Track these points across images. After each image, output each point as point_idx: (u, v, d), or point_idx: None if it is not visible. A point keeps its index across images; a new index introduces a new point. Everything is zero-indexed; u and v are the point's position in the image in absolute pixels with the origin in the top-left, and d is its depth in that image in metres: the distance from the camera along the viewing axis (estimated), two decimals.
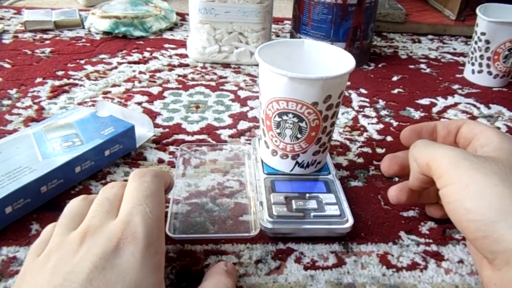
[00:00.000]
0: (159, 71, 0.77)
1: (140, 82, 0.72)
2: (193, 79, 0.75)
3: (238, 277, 0.39)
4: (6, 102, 0.64)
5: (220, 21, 0.77)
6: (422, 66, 0.87)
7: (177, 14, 1.03)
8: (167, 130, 0.60)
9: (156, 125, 0.60)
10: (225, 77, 0.76)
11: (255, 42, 0.79)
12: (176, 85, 0.72)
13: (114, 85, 0.71)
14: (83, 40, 0.88)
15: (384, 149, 0.59)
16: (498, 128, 0.66)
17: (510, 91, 0.78)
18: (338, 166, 0.55)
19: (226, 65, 0.80)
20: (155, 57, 0.82)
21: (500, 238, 0.30)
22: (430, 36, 1.03)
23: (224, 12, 0.76)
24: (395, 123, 0.65)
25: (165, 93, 0.69)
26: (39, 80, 0.71)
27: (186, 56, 0.83)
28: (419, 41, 1.00)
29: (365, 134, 0.62)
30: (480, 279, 0.39)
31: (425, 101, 0.73)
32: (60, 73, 0.73)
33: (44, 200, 0.45)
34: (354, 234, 0.44)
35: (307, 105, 0.43)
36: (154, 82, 0.73)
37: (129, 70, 0.76)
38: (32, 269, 0.30)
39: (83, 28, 0.93)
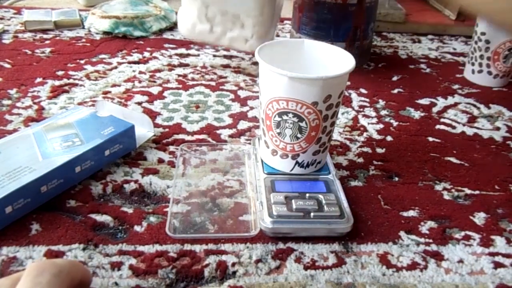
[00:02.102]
0: (159, 71, 0.77)
1: (140, 82, 0.72)
2: (193, 79, 0.75)
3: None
4: (6, 102, 0.64)
5: None
6: (422, 66, 0.87)
7: (177, 14, 1.03)
8: (167, 130, 0.60)
9: (156, 125, 0.60)
10: (225, 77, 0.76)
11: (251, 28, 0.72)
12: (176, 85, 0.72)
13: (114, 85, 0.71)
14: (83, 40, 0.88)
15: (384, 149, 0.59)
16: (498, 128, 0.66)
17: (510, 91, 0.78)
18: (338, 166, 0.55)
19: (226, 65, 0.80)
20: (155, 57, 0.82)
21: None
22: (430, 36, 1.03)
23: None
24: (395, 123, 0.65)
25: (165, 93, 0.69)
26: (39, 80, 0.71)
27: (186, 56, 0.83)
28: (419, 41, 1.00)
29: (365, 134, 0.62)
30: None
31: (425, 101, 0.73)
32: (60, 73, 0.73)
33: (44, 200, 0.45)
34: (354, 234, 0.44)
35: (307, 105, 0.44)
36: (154, 82, 0.73)
37: (129, 70, 0.76)
38: None
39: (83, 28, 0.93)
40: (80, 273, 0.30)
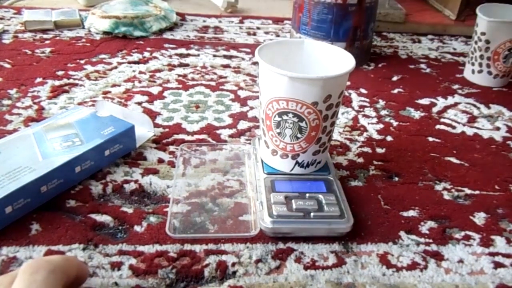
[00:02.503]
0: (159, 71, 0.77)
1: (140, 82, 0.72)
2: (193, 79, 0.75)
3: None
4: (6, 102, 0.64)
5: None
6: (422, 66, 0.87)
7: (177, 14, 1.03)
8: (167, 130, 0.60)
9: (156, 125, 0.60)
10: (225, 77, 0.76)
11: None
12: (176, 85, 0.72)
13: (114, 85, 0.71)
14: (83, 40, 0.88)
15: (384, 149, 0.59)
16: (498, 128, 0.66)
17: (510, 91, 0.78)
18: (338, 166, 0.55)
19: (226, 65, 0.80)
20: (155, 57, 0.82)
21: None
22: (430, 36, 1.03)
23: None
24: (395, 123, 0.65)
25: (165, 93, 0.69)
26: (39, 80, 0.71)
27: (186, 56, 0.83)
28: (419, 41, 1.00)
29: (365, 134, 0.62)
30: None
31: (425, 101, 0.73)
32: (60, 73, 0.73)
33: (44, 200, 0.45)
34: (354, 234, 0.44)
35: (307, 105, 0.43)
36: (154, 82, 0.73)
37: (129, 70, 0.76)
38: None
39: (83, 28, 0.93)
40: (75, 268, 0.31)
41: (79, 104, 0.64)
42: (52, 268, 0.28)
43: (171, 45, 0.88)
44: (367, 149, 0.58)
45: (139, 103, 0.66)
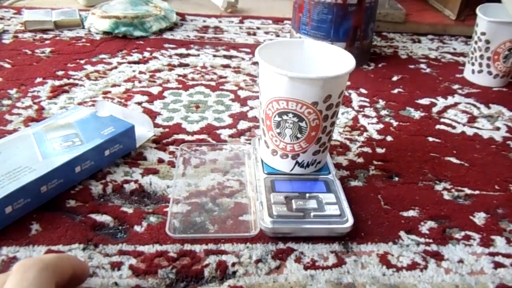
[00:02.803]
0: (159, 71, 0.77)
1: (140, 82, 0.72)
2: (193, 79, 0.75)
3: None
4: (6, 102, 0.64)
5: None
6: (422, 66, 0.87)
7: (177, 14, 1.03)
8: (167, 130, 0.60)
9: (156, 125, 0.60)
10: (225, 77, 0.76)
11: None
12: (176, 85, 0.72)
13: (114, 85, 0.71)
14: (83, 40, 0.88)
15: (384, 149, 0.59)
16: (498, 128, 0.66)
17: (510, 91, 0.78)
18: (338, 166, 0.55)
19: (226, 65, 0.80)
20: (155, 57, 0.82)
21: None
22: (430, 36, 1.03)
23: None
24: (395, 123, 0.65)
25: (165, 93, 0.69)
26: (39, 80, 0.71)
27: (186, 56, 0.83)
28: (419, 41, 1.00)
29: (365, 134, 0.62)
30: None
31: (425, 101, 0.73)
32: (60, 73, 0.73)
33: (44, 200, 0.45)
34: (354, 234, 0.44)
35: (307, 105, 0.44)
36: (154, 82, 0.73)
37: (129, 70, 0.76)
38: None
39: (83, 28, 0.93)
40: (70, 266, 0.31)
41: (79, 104, 0.64)
42: (44, 266, 0.28)
43: (171, 45, 0.88)
44: (367, 149, 0.58)
45: (139, 103, 0.66)
